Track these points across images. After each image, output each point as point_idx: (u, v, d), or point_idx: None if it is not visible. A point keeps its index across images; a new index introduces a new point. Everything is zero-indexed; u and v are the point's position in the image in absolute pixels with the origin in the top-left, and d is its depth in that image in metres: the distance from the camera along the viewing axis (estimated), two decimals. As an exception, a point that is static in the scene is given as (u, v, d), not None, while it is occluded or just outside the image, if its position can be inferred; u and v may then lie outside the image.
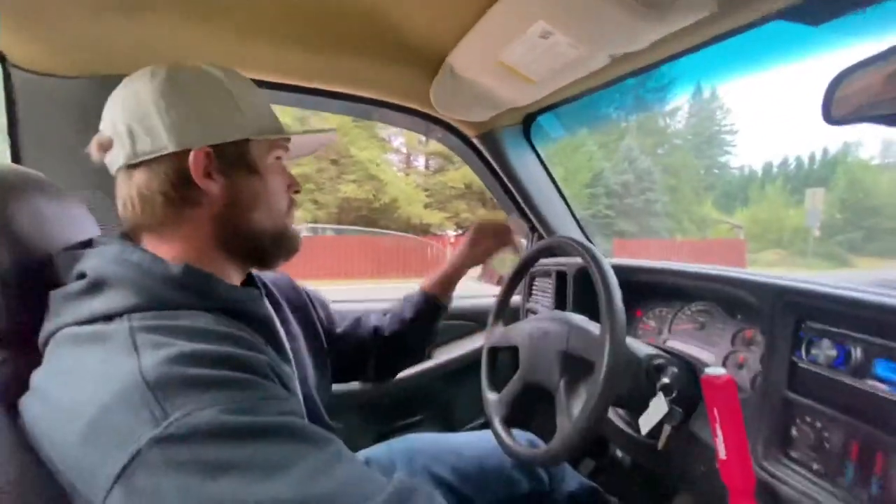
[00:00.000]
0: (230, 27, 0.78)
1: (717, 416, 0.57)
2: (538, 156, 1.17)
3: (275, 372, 0.42)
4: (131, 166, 0.46)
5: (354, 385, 1.17)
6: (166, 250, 0.46)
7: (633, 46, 0.61)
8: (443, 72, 0.87)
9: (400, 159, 16.09)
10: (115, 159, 0.46)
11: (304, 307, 0.71)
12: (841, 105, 0.55)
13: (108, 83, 0.76)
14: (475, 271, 1.33)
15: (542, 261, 1.17)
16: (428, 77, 0.92)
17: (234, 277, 0.52)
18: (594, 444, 1.20)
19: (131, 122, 0.45)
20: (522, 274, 0.96)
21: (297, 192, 0.56)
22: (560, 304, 1.15)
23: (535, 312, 1.22)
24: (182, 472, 0.31)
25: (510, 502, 0.82)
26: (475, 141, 1.14)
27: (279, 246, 0.53)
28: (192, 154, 0.45)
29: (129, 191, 0.46)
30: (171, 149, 0.45)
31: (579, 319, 0.78)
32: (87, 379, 0.35)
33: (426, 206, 14.39)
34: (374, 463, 0.81)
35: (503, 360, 0.94)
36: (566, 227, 1.24)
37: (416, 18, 0.78)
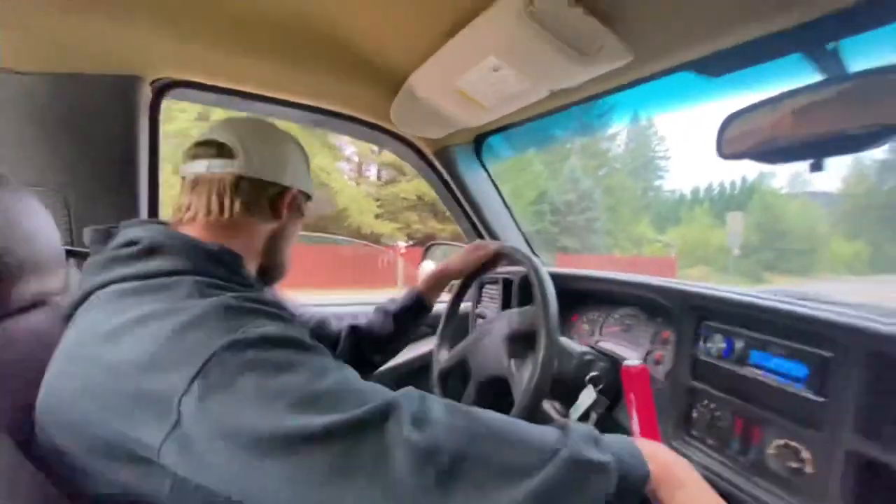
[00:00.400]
0: (195, 33, 0.80)
1: (633, 400, 0.67)
2: (488, 172, 1.26)
3: None
4: (240, 177, 0.59)
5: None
6: (209, 236, 0.56)
7: (568, 83, 0.72)
8: (404, 92, 0.94)
9: (351, 168, 15.90)
10: (226, 166, 0.58)
11: None
12: (730, 143, 0.67)
13: (64, 81, 0.78)
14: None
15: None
16: (388, 95, 0.98)
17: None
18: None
19: (265, 151, 0.61)
20: (470, 282, 1.04)
21: None
22: (506, 308, 1.24)
23: (483, 317, 1.31)
24: (253, 368, 0.38)
25: None
26: (430, 156, 1.21)
27: (281, 269, 0.69)
28: (291, 192, 0.63)
29: (221, 193, 0.58)
30: (284, 183, 0.62)
31: (519, 309, 0.87)
32: (158, 314, 0.41)
33: (377, 216, 14.32)
34: None
35: (454, 384, 1.00)
36: (512, 239, 1.34)
37: (381, 41, 0.84)
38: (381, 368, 1.29)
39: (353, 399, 0.39)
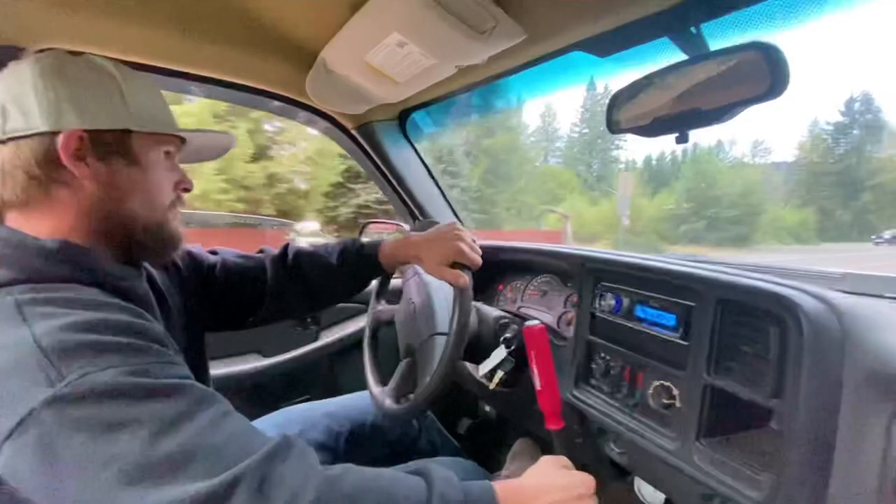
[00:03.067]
0: (101, 5, 0.74)
1: (534, 357, 0.73)
2: (414, 148, 1.28)
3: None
4: (0, 142, 0.46)
5: (239, 367, 1.19)
6: (34, 227, 0.47)
7: (471, 60, 0.75)
8: (317, 66, 0.92)
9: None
10: None
11: (176, 270, 0.70)
12: (618, 120, 0.73)
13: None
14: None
15: None
16: (303, 69, 0.96)
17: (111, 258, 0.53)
18: (468, 405, 1.36)
19: (6, 100, 0.46)
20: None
21: (186, 190, 0.58)
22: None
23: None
24: (76, 430, 0.33)
25: (380, 451, 0.93)
26: (353, 132, 1.21)
27: (154, 238, 0.54)
28: (61, 135, 0.46)
29: None
30: (41, 129, 0.45)
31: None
32: None
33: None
34: None
35: (385, 339, 1.04)
36: (441, 213, 1.37)
37: (290, 14, 0.82)
38: (319, 345, 1.31)
39: (199, 464, 0.34)
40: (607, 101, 0.72)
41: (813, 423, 0.49)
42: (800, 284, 0.54)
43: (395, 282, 1.11)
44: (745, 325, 0.57)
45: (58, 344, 0.35)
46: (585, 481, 0.56)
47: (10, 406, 0.33)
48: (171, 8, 0.79)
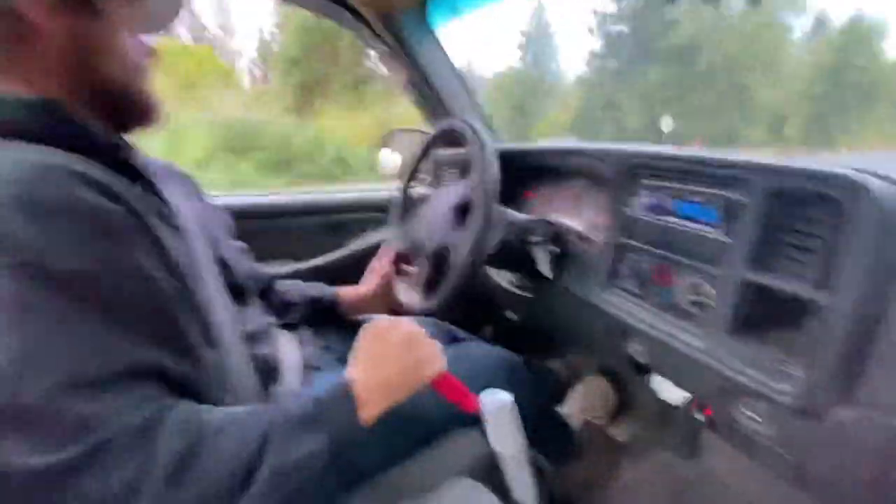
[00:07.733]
0: None
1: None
2: (437, 39, 1.17)
3: (143, 228, 0.41)
4: None
5: (273, 270, 1.22)
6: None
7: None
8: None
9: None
10: None
11: (201, 204, 0.67)
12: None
13: None
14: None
15: (450, 151, 1.22)
16: None
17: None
18: (490, 312, 1.39)
19: None
20: (420, 161, 1.02)
21: (150, 55, 0.51)
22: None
23: None
24: None
25: None
26: (373, 23, 1.11)
27: (133, 104, 0.49)
28: None
29: None
30: None
31: (464, 181, 0.88)
32: None
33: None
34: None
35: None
36: (467, 112, 1.29)
37: None
38: (345, 251, 1.32)
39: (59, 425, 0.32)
40: None
41: (858, 314, 0.46)
42: (863, 168, 0.48)
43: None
44: (795, 216, 0.52)
45: None
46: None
47: None
48: None
